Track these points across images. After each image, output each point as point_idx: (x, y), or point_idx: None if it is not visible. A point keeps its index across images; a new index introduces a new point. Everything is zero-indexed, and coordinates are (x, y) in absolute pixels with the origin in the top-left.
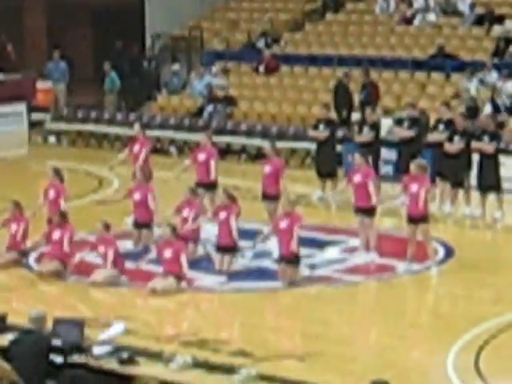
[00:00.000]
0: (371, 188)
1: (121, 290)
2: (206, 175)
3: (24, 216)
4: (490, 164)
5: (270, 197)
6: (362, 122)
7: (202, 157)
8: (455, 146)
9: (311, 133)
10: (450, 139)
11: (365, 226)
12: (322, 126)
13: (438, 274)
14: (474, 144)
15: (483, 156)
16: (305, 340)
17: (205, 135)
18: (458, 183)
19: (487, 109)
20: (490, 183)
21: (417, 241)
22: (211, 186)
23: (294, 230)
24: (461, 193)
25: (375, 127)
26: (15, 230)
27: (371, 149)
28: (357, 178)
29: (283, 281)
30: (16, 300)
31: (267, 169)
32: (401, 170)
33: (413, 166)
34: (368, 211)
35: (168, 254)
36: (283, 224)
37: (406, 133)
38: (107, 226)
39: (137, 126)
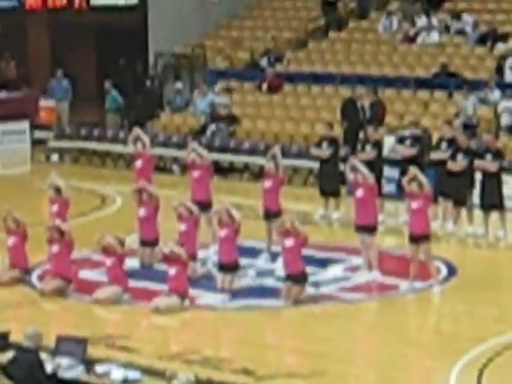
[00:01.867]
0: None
1: (124, 307)
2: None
3: (23, 230)
4: (492, 182)
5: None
6: (365, 141)
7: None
8: (458, 164)
9: (314, 151)
10: (453, 157)
11: (366, 245)
12: (325, 145)
13: (441, 292)
14: (477, 162)
15: (486, 174)
16: (307, 358)
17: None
18: (461, 202)
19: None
20: (492, 202)
21: (419, 260)
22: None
23: (300, 249)
24: (463, 211)
25: (378, 145)
26: (14, 243)
27: (374, 167)
28: (359, 194)
29: (286, 300)
30: (18, 318)
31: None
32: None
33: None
34: (369, 229)
35: (172, 271)
36: (288, 242)
37: (408, 151)
38: (121, 242)
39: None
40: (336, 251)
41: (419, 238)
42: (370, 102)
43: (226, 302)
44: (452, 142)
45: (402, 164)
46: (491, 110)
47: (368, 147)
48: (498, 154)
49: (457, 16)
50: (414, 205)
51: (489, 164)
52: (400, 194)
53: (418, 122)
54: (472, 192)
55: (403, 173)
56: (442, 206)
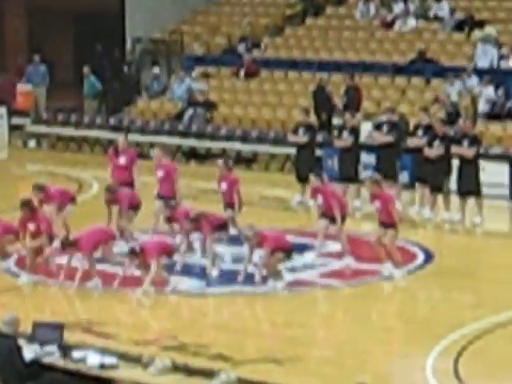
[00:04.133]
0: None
1: (100, 293)
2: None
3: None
4: (469, 169)
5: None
6: (342, 127)
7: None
8: (435, 150)
9: (291, 137)
10: (430, 144)
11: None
12: (301, 131)
13: (403, 277)
14: (454, 149)
15: (463, 161)
16: (285, 344)
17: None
18: (438, 188)
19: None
20: (469, 188)
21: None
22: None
23: None
24: (440, 198)
25: (354, 132)
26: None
27: (351, 153)
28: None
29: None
30: None
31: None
32: (380, 174)
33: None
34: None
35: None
36: None
37: (384, 138)
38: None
39: (122, 138)
40: (313, 237)
41: (387, 225)
42: (346, 88)
43: (204, 288)
44: (428, 129)
45: (379, 150)
46: (468, 97)
47: (345, 133)
48: (475, 141)
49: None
50: (378, 204)
51: (465, 150)
52: None
53: (394, 108)
54: (449, 178)
55: (379, 159)
56: (419, 192)
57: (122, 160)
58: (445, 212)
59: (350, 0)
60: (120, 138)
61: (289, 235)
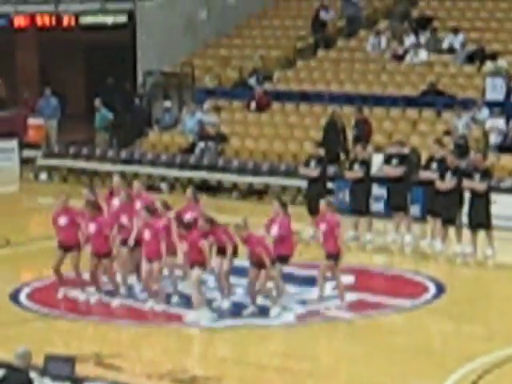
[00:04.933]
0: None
1: (112, 326)
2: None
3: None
4: (480, 202)
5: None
6: (353, 159)
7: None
8: (447, 183)
9: (302, 170)
10: (442, 177)
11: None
12: (313, 163)
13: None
14: (466, 182)
15: (474, 194)
16: (295, 377)
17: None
18: (450, 220)
19: None
20: (480, 221)
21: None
22: None
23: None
24: (452, 230)
25: (365, 164)
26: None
27: (362, 185)
28: (323, 227)
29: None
30: (7, 337)
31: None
32: (390, 207)
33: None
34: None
35: None
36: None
37: (394, 171)
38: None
39: (116, 178)
40: None
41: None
42: (355, 121)
43: (215, 320)
44: (442, 162)
45: (390, 183)
46: (479, 129)
47: (356, 166)
48: (486, 174)
49: (455, 30)
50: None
51: (477, 184)
52: (388, 212)
53: (404, 141)
54: (461, 211)
55: (390, 192)
56: (431, 224)
57: (116, 202)
58: (456, 245)
59: (361, 33)
60: (115, 177)
61: (301, 268)
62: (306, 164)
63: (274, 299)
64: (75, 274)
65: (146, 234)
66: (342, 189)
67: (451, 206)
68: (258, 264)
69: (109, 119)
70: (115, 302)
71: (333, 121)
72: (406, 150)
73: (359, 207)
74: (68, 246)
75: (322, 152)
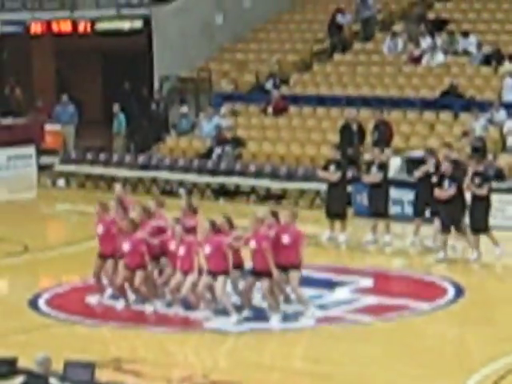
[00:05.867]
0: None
1: (131, 331)
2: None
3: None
4: (480, 206)
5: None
6: (371, 162)
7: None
8: (445, 192)
9: (322, 174)
10: (439, 184)
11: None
12: (332, 168)
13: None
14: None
15: (475, 198)
16: (315, 380)
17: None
18: (456, 228)
19: None
20: (478, 226)
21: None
22: None
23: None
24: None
25: (383, 167)
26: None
27: (380, 189)
28: (285, 239)
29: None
30: (26, 344)
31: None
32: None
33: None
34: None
35: None
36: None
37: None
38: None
39: (119, 187)
40: (343, 273)
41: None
42: (376, 123)
43: (235, 324)
44: (455, 164)
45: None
46: (497, 131)
47: (374, 169)
48: (486, 178)
49: (464, 34)
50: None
51: (476, 189)
52: (404, 215)
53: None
54: (463, 216)
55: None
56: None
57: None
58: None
59: (377, 35)
60: (117, 186)
61: (319, 272)
62: (325, 168)
63: (274, 307)
64: (110, 281)
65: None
66: (359, 192)
67: (451, 213)
68: (260, 272)
69: (124, 125)
70: (119, 305)
71: (347, 124)
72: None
73: (378, 210)
74: (104, 255)
75: (339, 155)
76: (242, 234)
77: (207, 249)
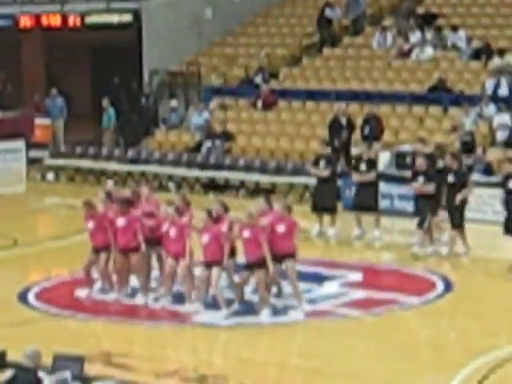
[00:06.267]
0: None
1: (120, 325)
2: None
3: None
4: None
5: None
6: (359, 158)
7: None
8: (420, 186)
9: (312, 170)
10: (413, 179)
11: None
12: (322, 163)
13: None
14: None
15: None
16: (304, 375)
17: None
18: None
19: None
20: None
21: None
22: None
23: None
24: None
25: (372, 164)
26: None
27: (368, 185)
28: (281, 229)
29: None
30: (16, 337)
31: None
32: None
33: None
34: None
35: None
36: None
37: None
38: None
39: (110, 183)
40: (332, 267)
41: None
42: (366, 117)
43: (224, 319)
44: (429, 158)
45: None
46: (486, 125)
47: (362, 165)
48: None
49: (453, 28)
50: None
51: (426, 187)
52: (394, 209)
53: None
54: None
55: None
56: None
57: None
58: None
59: (366, 30)
60: (109, 182)
61: (308, 266)
62: (315, 163)
63: (265, 300)
64: (102, 274)
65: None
66: (349, 186)
67: (422, 208)
68: (253, 264)
69: (113, 119)
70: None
71: (336, 117)
72: (426, 150)
73: (366, 204)
74: (98, 248)
75: (329, 150)
76: (236, 219)
77: (205, 238)
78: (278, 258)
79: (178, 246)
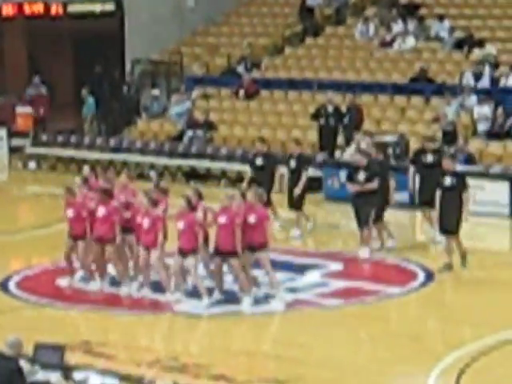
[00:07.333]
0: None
1: (101, 314)
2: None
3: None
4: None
5: None
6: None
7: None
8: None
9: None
10: (351, 179)
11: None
12: (293, 162)
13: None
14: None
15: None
16: (284, 364)
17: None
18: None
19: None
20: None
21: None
22: None
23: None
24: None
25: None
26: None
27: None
28: (251, 219)
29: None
30: None
31: None
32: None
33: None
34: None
35: None
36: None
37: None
38: None
39: (86, 168)
40: (313, 257)
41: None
42: (347, 107)
43: (205, 308)
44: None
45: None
46: (468, 116)
47: (361, 175)
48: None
49: (440, 17)
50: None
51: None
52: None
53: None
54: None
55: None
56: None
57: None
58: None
59: (348, 20)
60: (85, 168)
61: (290, 255)
62: (287, 162)
63: (246, 288)
64: (82, 263)
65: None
66: (330, 176)
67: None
68: (227, 252)
69: (93, 108)
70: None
71: (323, 106)
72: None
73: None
74: (76, 236)
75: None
76: (210, 208)
77: (180, 224)
78: (250, 249)
79: (150, 237)
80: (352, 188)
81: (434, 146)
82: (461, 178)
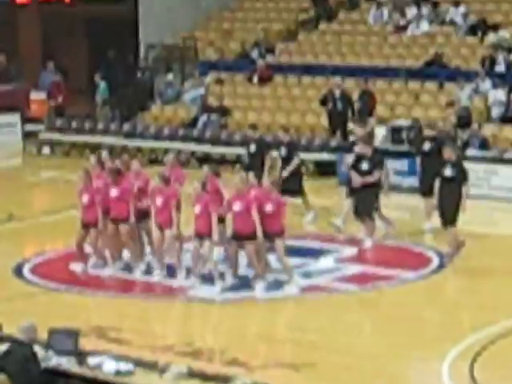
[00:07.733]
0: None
1: (116, 299)
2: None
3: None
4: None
5: None
6: (353, 143)
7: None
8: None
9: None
10: (356, 167)
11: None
12: (283, 150)
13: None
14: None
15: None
16: (299, 349)
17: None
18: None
19: None
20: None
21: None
22: None
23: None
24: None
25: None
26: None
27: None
28: (268, 208)
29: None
30: (11, 311)
31: None
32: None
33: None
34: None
35: None
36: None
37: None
38: None
39: (105, 152)
40: (328, 242)
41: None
42: (360, 93)
43: (219, 293)
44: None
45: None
46: (482, 101)
47: (364, 164)
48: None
49: (456, 3)
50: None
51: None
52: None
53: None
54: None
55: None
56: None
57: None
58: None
59: (362, 5)
60: (104, 152)
61: (304, 240)
62: (277, 148)
63: (260, 273)
64: (94, 250)
65: (158, 202)
66: (343, 160)
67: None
68: (244, 236)
69: (106, 94)
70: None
71: (330, 91)
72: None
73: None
74: (88, 224)
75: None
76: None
77: (197, 208)
78: (266, 237)
79: (163, 216)
80: (357, 181)
81: (433, 133)
82: (462, 168)
